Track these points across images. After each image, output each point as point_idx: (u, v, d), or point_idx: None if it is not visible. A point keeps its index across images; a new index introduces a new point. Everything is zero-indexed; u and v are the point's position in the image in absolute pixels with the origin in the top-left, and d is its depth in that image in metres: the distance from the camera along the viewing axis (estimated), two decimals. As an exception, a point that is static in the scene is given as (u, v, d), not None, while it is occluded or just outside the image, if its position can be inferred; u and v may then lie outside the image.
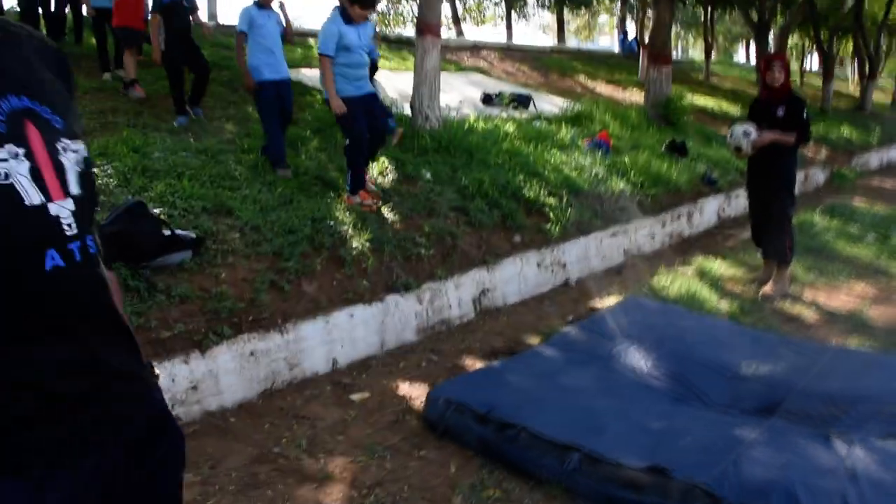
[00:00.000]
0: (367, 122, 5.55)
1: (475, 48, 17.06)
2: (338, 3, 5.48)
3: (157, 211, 4.40)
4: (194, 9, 7.43)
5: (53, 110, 1.10)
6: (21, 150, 1.02)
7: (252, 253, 4.42)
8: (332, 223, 4.94)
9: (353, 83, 5.50)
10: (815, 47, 25.65)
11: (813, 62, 38.59)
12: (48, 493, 1.03)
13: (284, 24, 6.49)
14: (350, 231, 4.97)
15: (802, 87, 25.93)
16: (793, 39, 33.19)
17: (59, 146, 1.08)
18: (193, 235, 4.25)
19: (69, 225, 1.05)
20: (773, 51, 18.45)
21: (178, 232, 4.17)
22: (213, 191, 5.06)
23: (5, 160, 1.00)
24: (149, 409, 1.22)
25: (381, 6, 27.52)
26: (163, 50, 7.06)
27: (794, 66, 36.57)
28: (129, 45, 7.73)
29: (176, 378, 3.66)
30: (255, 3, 6.23)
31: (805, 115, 5.65)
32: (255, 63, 6.04)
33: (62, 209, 1.05)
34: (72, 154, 1.10)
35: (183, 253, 4.11)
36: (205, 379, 3.80)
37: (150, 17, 7.18)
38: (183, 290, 3.91)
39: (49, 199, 1.03)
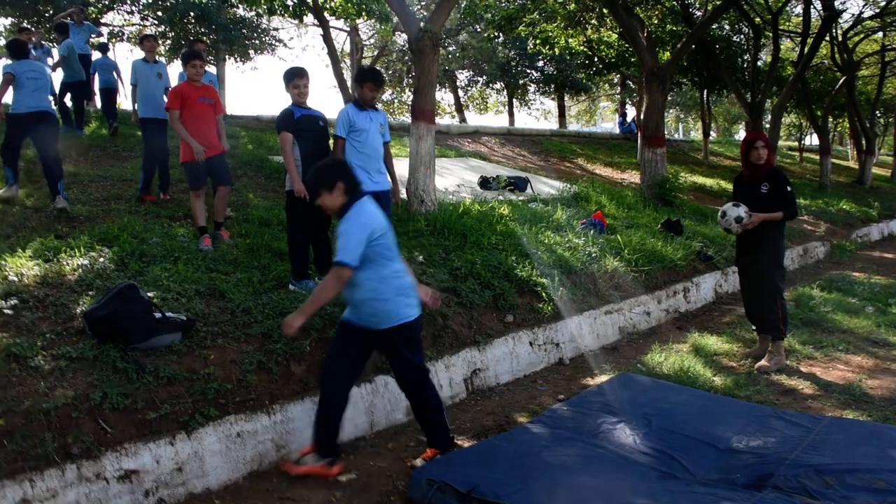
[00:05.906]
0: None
1: (476, 133, 17.52)
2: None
3: (150, 294, 4.50)
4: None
5: None
6: None
7: (241, 335, 4.48)
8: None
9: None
10: (810, 126, 26.22)
11: (814, 139, 39.43)
12: None
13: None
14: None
15: (801, 163, 26.35)
16: (790, 118, 33.95)
17: None
18: (184, 318, 4.34)
19: None
20: (768, 130, 18.82)
21: (169, 314, 4.26)
22: (206, 274, 5.18)
23: None
24: None
25: (385, 96, 28.42)
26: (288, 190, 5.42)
27: (792, 143, 37.28)
28: (198, 185, 6.18)
29: (161, 459, 3.68)
30: (354, 102, 5.62)
31: (789, 188, 5.77)
32: None
33: None
34: None
35: (173, 335, 4.19)
36: (190, 460, 3.80)
37: (280, 137, 5.37)
38: (171, 372, 3.96)
39: None
